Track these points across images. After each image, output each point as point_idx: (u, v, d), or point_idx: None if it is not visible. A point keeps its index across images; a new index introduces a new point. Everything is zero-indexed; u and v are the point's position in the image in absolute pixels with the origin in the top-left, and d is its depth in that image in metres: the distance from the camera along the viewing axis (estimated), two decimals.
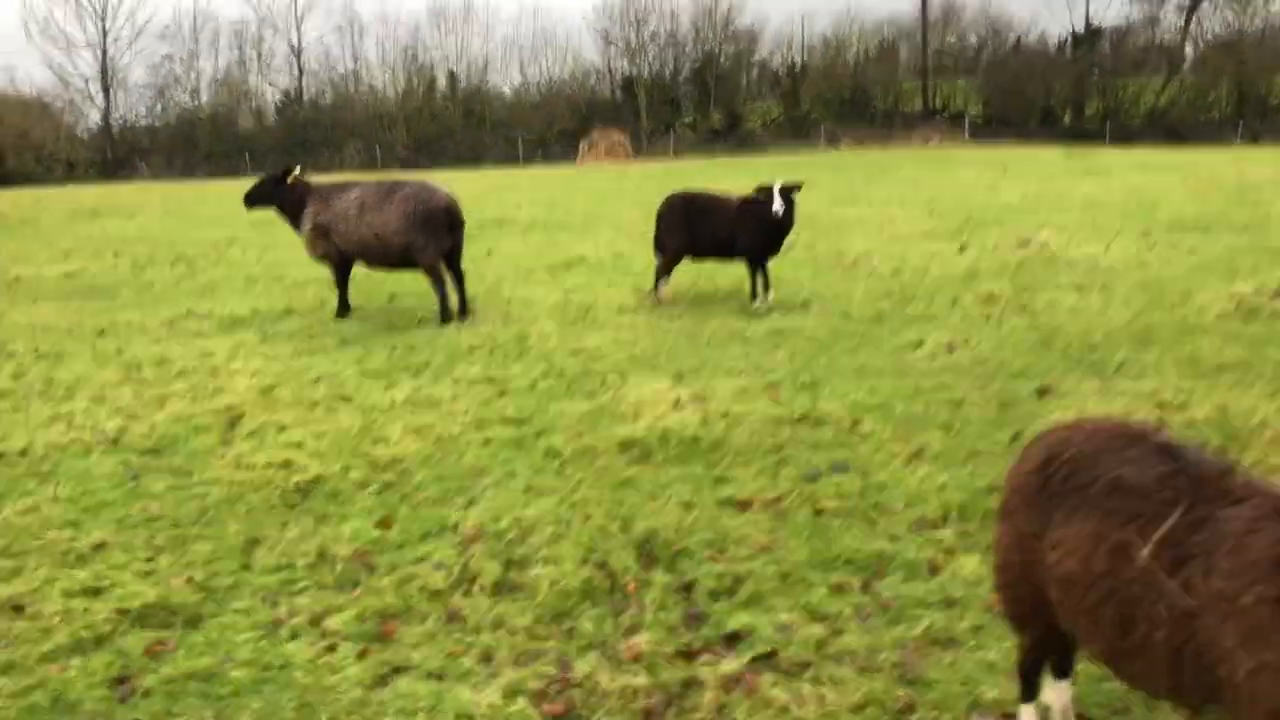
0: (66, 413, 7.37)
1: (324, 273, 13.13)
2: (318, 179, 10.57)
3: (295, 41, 69.93)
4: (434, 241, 9.85)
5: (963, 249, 13.54)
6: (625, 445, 6.45)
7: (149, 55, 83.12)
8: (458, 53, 70.79)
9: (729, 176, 34.94)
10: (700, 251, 10.70)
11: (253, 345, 9.28)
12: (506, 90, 72.58)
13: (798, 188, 10.25)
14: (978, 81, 70.33)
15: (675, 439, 6.50)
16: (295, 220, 10.31)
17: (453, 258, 10.15)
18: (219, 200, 27.40)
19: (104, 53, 67.21)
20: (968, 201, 20.89)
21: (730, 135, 66.91)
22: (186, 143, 65.51)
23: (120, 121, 68.17)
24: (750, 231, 10.32)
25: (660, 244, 10.74)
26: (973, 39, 72.75)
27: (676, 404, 7.20)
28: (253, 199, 10.40)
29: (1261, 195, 19.75)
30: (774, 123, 69.06)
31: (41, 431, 6.93)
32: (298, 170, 10.42)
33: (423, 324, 10.16)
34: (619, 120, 66.75)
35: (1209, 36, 67.69)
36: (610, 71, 71.42)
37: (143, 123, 68.46)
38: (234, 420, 7.15)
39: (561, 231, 17.45)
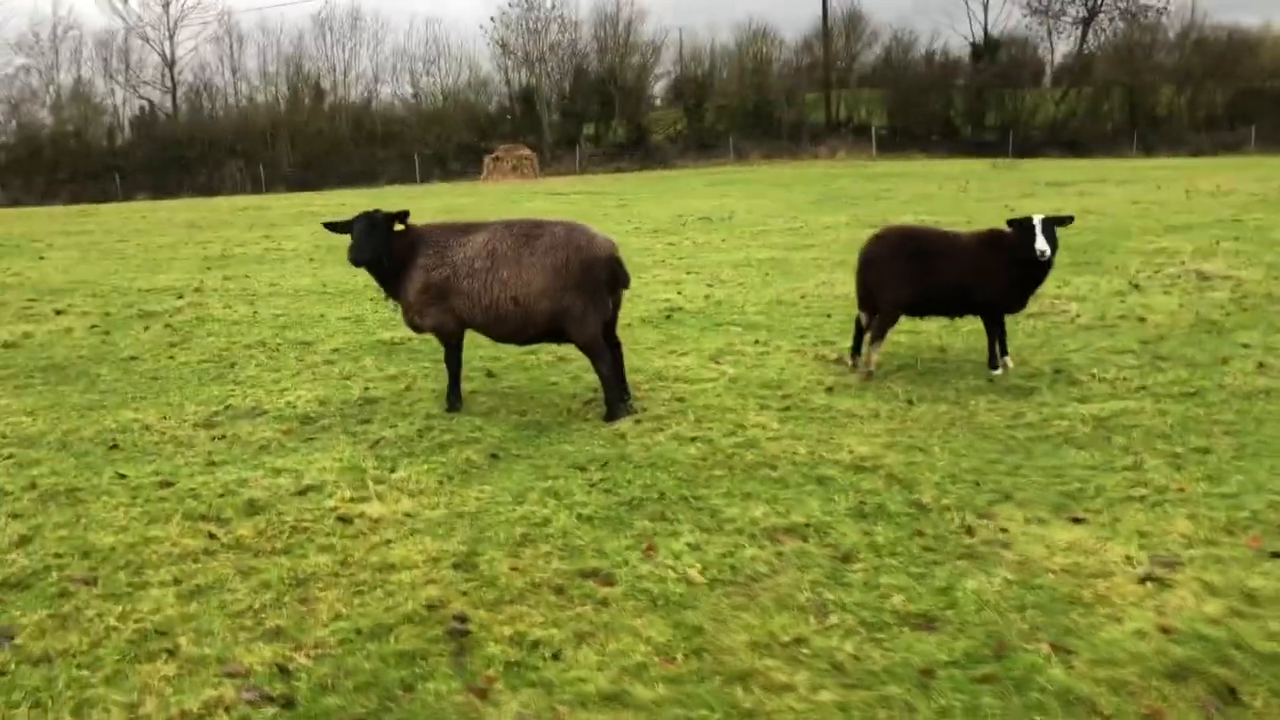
0: (150, 630, 4.39)
1: (368, 335, 10.13)
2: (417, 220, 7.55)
3: (168, 52, 64.86)
4: (595, 306, 7.08)
5: (1136, 286, 11.30)
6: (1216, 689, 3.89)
7: (1, 67, 76.02)
8: (345, 63, 66.78)
9: (652, 193, 32.34)
10: (928, 306, 8.15)
11: (370, 468, 6.33)
12: (398, 104, 68.74)
13: (1066, 220, 7.79)
14: (881, 94, 69.59)
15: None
16: (397, 279, 7.34)
17: (609, 326, 7.38)
18: (134, 230, 23.65)
19: None
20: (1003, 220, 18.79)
21: (636, 149, 64.64)
22: (49, 162, 59.73)
23: None
24: (998, 279, 7.83)
25: (869, 297, 8.14)
26: (876, 50, 71.93)
27: (1163, 590, 4.62)
28: (369, 250, 7.22)
29: None
30: (680, 136, 66.96)
31: (134, 682, 3.96)
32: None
33: (576, 418, 7.34)
34: (518, 134, 63.84)
35: (1104, 48, 68.43)
36: (509, 83, 68.38)
37: None
38: (461, 637, 4.29)
39: None
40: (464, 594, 4.66)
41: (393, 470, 6.26)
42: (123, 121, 65.80)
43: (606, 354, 7.22)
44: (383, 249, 7.16)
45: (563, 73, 67.41)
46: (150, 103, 65.88)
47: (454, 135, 63.56)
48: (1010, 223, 7.85)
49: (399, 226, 7.24)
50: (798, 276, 13.22)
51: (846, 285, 12.37)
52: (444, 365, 7.71)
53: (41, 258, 18.01)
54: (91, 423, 7.51)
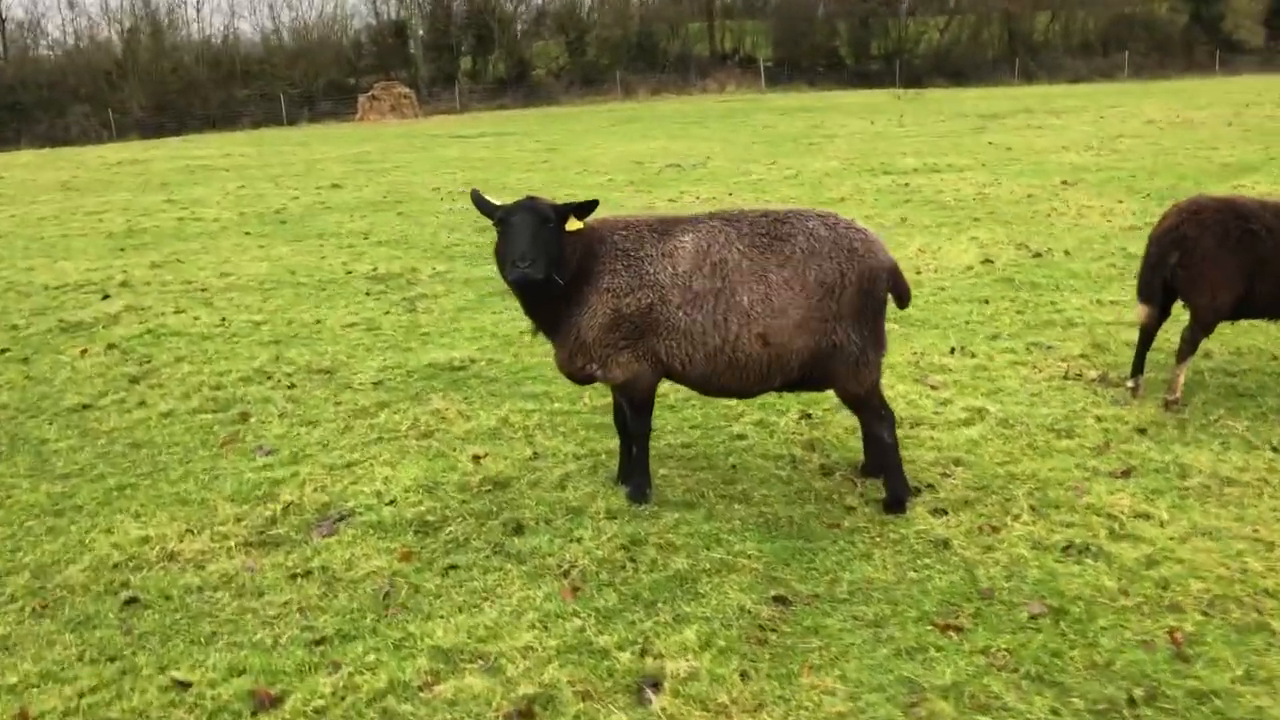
0: None
1: (406, 355, 7.40)
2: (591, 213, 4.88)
3: None
4: (877, 340, 4.68)
5: None
6: None
7: None
8: None
9: (565, 134, 29.16)
10: (1254, 309, 5.95)
11: (610, 646, 3.80)
12: (257, 39, 63.42)
13: None
14: (766, 24, 67.60)
15: None
16: (563, 306, 4.71)
17: None
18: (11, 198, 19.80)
19: None
20: (1032, 163, 16.95)
21: (518, 86, 61.13)
22: None
23: None
24: None
25: (1168, 294, 5.92)
26: None
27: None
28: (544, 262, 4.41)
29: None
30: (563, 70, 63.59)
31: None
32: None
33: (830, 503, 4.93)
34: (388, 69, 59.56)
35: None
36: (377, 16, 63.72)
37: None
38: None
39: None
40: None
41: (644, 650, 3.76)
42: None
43: (890, 410, 4.83)
44: (556, 260, 4.60)
45: (435, 4, 63.06)
46: None
47: (321, 73, 58.91)
48: None
49: (574, 224, 4.59)
50: None
51: (948, 255, 10.19)
52: (615, 430, 5.23)
53: None
54: (73, 544, 4.76)
